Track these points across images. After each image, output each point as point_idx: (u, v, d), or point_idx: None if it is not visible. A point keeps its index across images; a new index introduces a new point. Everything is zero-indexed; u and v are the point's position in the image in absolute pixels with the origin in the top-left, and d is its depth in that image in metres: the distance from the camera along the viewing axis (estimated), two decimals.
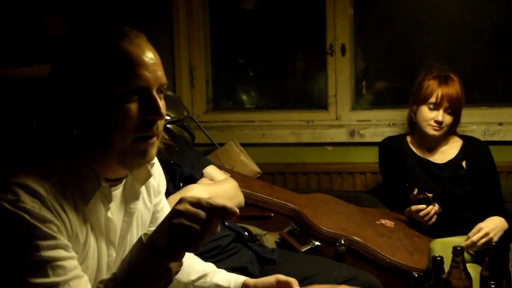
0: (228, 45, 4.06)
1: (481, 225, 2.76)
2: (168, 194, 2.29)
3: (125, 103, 1.36)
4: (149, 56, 1.40)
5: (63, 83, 1.39)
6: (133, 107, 1.37)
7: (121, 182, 1.50)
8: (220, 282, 1.69)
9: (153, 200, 1.66)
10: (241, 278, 1.70)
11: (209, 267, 1.76)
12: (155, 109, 1.39)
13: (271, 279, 1.65)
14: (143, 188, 1.57)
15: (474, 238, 2.72)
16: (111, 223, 1.48)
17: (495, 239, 2.72)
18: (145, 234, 1.38)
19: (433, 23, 3.72)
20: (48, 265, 1.27)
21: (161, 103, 1.40)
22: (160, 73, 1.41)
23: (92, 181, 1.39)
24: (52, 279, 1.27)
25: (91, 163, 1.39)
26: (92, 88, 1.36)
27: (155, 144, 1.43)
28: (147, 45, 1.41)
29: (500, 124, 3.52)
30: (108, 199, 1.45)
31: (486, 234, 2.72)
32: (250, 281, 1.69)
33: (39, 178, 1.31)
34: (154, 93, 1.39)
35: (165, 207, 1.75)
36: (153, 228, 1.70)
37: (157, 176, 1.68)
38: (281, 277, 1.64)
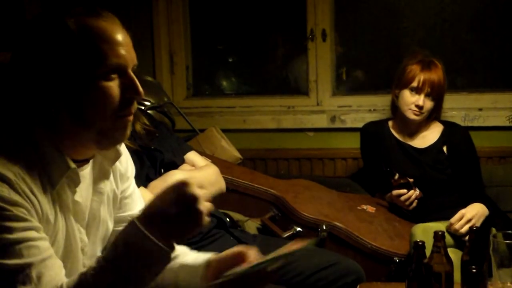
0: (208, 31, 4.02)
1: (463, 211, 2.80)
2: (149, 180, 2.28)
3: (106, 82, 1.35)
4: (124, 34, 1.39)
5: (35, 65, 1.35)
6: (113, 86, 1.36)
7: (88, 163, 1.48)
8: (189, 261, 1.62)
9: (120, 185, 1.62)
10: (208, 255, 1.63)
11: (179, 249, 1.67)
12: (135, 88, 1.39)
13: (232, 250, 1.58)
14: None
15: (457, 226, 2.76)
16: (79, 206, 1.46)
17: (478, 225, 2.76)
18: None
19: (413, 9, 3.72)
20: (21, 246, 1.26)
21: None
22: (134, 53, 1.41)
23: (59, 165, 1.38)
24: (27, 259, 1.26)
25: (59, 146, 1.38)
26: (70, 69, 1.33)
27: (131, 122, 1.43)
28: (119, 24, 1.41)
29: (480, 109, 3.54)
30: (75, 183, 1.42)
31: (469, 221, 2.76)
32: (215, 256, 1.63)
33: (7, 162, 1.30)
34: (131, 72, 1.39)
35: (134, 193, 1.69)
36: (124, 214, 1.64)
37: (125, 161, 1.64)
38: (241, 248, 1.57)
